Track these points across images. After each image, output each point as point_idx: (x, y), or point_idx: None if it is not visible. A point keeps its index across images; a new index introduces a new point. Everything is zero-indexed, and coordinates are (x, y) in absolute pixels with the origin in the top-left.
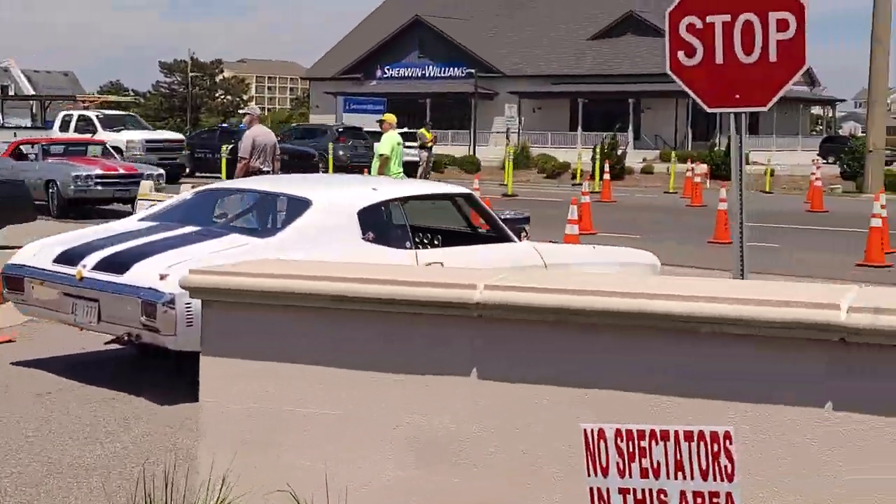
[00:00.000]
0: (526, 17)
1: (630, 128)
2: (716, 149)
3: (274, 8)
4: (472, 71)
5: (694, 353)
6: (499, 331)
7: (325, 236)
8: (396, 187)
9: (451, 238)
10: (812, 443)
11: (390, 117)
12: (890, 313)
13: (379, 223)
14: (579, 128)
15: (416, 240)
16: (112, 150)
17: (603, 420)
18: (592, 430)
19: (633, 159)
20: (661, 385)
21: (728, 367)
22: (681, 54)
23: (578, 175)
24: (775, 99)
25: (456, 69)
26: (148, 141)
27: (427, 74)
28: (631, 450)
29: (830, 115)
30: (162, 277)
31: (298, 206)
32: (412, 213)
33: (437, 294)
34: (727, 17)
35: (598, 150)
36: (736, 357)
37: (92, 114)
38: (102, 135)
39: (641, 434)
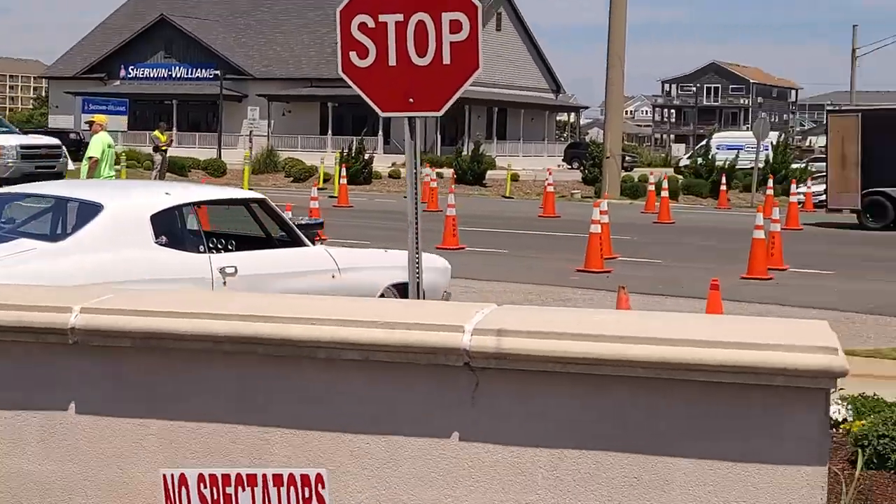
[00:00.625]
0: (276, 20)
1: (380, 132)
2: (463, 154)
3: (23, 5)
4: (218, 72)
5: (308, 379)
6: (98, 358)
7: (116, 240)
8: (191, 192)
9: (246, 243)
10: (437, 476)
11: (101, 118)
12: (514, 335)
13: (172, 228)
14: (329, 131)
15: (211, 244)
16: None
17: (186, 460)
18: (173, 476)
19: (383, 164)
20: (266, 419)
21: (342, 397)
22: (353, 55)
23: (321, 180)
24: (449, 103)
25: (204, 70)
26: (23, 147)
27: (174, 75)
28: (215, 497)
29: (575, 121)
30: None
31: (90, 210)
32: (210, 218)
33: (17, 319)
34: (400, 17)
35: (338, 155)
36: (352, 385)
37: None
38: None
39: (227, 479)
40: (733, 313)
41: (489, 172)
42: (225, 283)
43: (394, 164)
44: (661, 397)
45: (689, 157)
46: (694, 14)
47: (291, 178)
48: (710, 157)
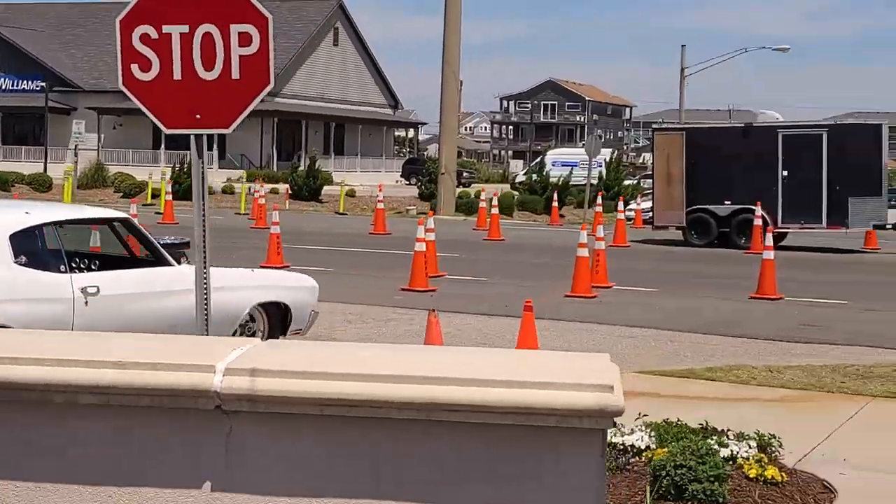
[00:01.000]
0: (108, 31)
1: (215, 146)
2: (299, 170)
3: None
4: (45, 84)
5: (38, 426)
6: None
7: None
8: (51, 212)
9: (110, 262)
10: None
11: None
12: (269, 375)
13: (32, 247)
14: (162, 146)
15: (73, 264)
16: None
17: None
18: None
19: (218, 178)
20: None
21: (78, 447)
22: (135, 68)
23: (149, 195)
24: (238, 121)
25: (30, 82)
26: None
27: None
28: None
29: (414, 137)
30: None
31: None
32: (72, 238)
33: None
34: (185, 28)
35: (164, 171)
36: (91, 433)
37: None
38: None
39: None
40: (552, 332)
41: (326, 188)
42: (87, 302)
43: (228, 180)
44: (421, 441)
45: (524, 174)
46: (532, 32)
47: (121, 194)
48: (544, 173)
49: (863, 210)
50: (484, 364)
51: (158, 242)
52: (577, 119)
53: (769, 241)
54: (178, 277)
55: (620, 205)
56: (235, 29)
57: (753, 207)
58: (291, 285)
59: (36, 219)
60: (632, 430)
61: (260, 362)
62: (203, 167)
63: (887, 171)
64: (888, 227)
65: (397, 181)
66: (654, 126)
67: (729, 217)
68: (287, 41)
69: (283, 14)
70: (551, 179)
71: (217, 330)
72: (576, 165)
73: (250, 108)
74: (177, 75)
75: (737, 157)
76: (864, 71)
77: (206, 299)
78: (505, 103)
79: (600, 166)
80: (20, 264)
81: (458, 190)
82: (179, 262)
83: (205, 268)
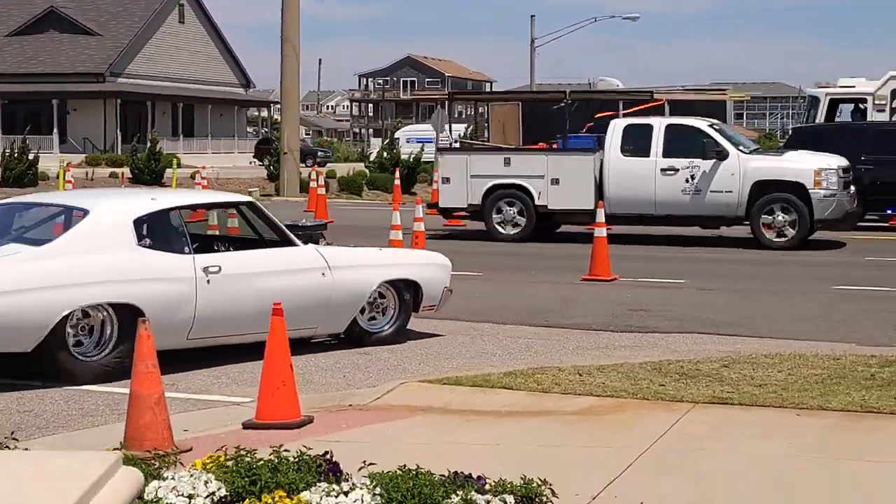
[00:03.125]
0: None
1: (55, 130)
2: (139, 153)
3: None
4: None
5: None
6: None
7: (99, 243)
8: (178, 197)
9: (234, 243)
10: None
11: None
12: None
13: (157, 230)
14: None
15: (197, 245)
16: None
17: None
18: None
19: (54, 164)
20: None
21: None
22: None
23: None
24: None
25: None
26: None
27: None
28: None
29: (268, 116)
30: None
31: (77, 216)
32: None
33: None
34: None
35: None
36: None
37: None
38: None
39: None
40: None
41: (179, 172)
42: (209, 281)
43: (67, 164)
44: None
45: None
46: (391, 8)
47: None
48: (394, 150)
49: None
50: None
51: (295, 224)
52: (437, 96)
53: (600, 216)
54: (301, 257)
55: None
56: None
57: None
58: (421, 262)
59: (161, 204)
60: (352, 485)
61: None
62: None
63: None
64: None
65: (251, 162)
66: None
67: None
68: (129, 19)
69: None
70: (403, 156)
71: (343, 308)
72: (430, 141)
73: None
74: None
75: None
76: (723, 43)
77: None
78: (364, 81)
79: (455, 142)
80: (144, 246)
81: (325, 169)
82: (318, 243)
83: None
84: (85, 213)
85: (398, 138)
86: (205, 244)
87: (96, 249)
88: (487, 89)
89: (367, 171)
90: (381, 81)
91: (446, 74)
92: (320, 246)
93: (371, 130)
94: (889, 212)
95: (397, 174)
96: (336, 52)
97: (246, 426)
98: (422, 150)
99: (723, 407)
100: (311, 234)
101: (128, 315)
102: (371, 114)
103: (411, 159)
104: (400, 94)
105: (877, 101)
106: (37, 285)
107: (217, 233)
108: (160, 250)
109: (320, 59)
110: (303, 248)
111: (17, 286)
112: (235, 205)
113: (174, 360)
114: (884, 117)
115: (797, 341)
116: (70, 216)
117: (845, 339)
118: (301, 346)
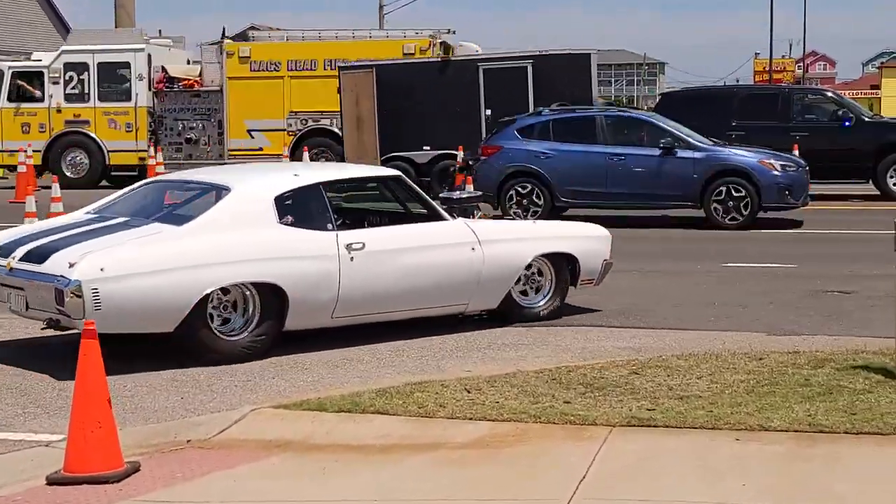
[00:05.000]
0: None
1: None
2: None
3: None
4: None
5: None
6: None
7: (240, 221)
8: (321, 172)
9: (380, 218)
10: None
11: None
12: None
13: (299, 207)
14: None
15: (341, 221)
16: None
17: None
18: None
19: None
20: None
21: None
22: None
23: None
24: None
25: None
26: None
27: None
28: None
29: None
30: (71, 265)
31: (218, 193)
32: (346, 196)
33: None
34: None
35: None
36: None
37: None
38: None
39: None
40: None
41: None
42: (352, 258)
43: None
44: None
45: None
46: None
47: None
48: None
49: None
50: None
51: (449, 196)
52: None
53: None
54: (449, 231)
55: (305, 155)
56: None
57: (456, 152)
58: (578, 235)
59: (304, 180)
60: None
61: None
62: None
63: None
64: None
65: None
66: (340, 64)
67: (430, 164)
68: None
69: None
70: None
71: (495, 284)
72: None
73: None
74: None
75: (435, 96)
76: (569, 9)
77: None
78: None
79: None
80: (286, 224)
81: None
82: (472, 216)
83: None
84: (227, 190)
85: None
86: (349, 219)
87: (238, 228)
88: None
89: None
90: None
91: None
92: (472, 219)
93: None
94: None
95: None
96: (195, 24)
97: (51, 481)
98: None
99: (646, 431)
100: (466, 207)
101: (270, 294)
102: None
103: None
104: None
105: (51, 75)
106: (178, 265)
107: (357, 207)
108: (302, 227)
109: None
110: (451, 223)
111: (157, 266)
112: (383, 179)
113: None
114: (59, 90)
115: (699, 332)
116: (212, 194)
117: (751, 328)
118: (134, 360)
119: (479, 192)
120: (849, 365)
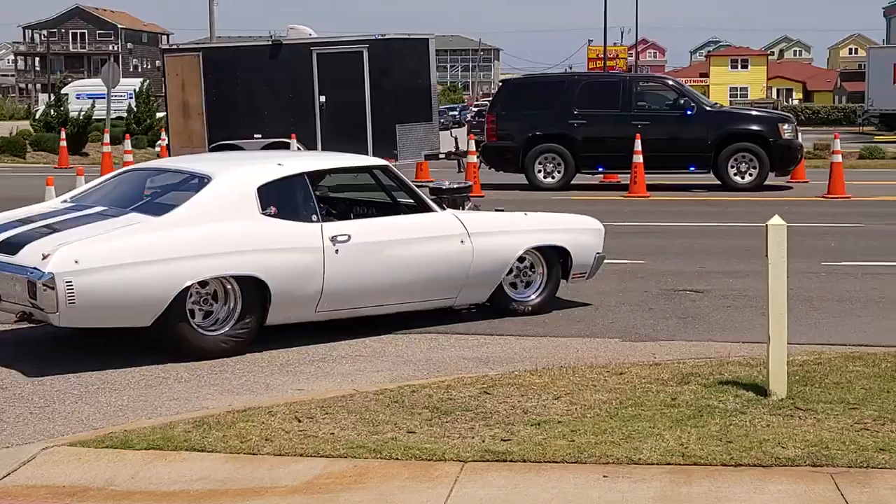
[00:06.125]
0: None
1: None
2: None
3: None
4: None
5: None
6: None
7: (222, 212)
8: (306, 161)
9: (366, 210)
10: None
11: None
12: None
13: (283, 198)
14: None
15: (326, 212)
16: None
17: None
18: None
19: None
20: None
21: None
22: None
23: None
24: None
25: None
26: None
27: None
28: None
29: None
30: (44, 257)
31: (199, 183)
32: (332, 187)
33: None
34: None
35: None
36: None
37: None
38: None
39: None
40: None
41: None
42: (337, 251)
43: None
44: None
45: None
46: None
47: None
48: (61, 107)
49: (412, 138)
50: None
51: (438, 187)
52: (111, 48)
53: None
54: (438, 223)
55: (126, 143)
56: None
57: (288, 141)
58: (570, 227)
59: (288, 170)
60: None
61: None
62: None
63: (437, 93)
64: (441, 156)
65: None
66: (163, 46)
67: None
68: None
69: None
70: (71, 114)
71: (485, 277)
72: (102, 97)
73: None
74: None
75: (266, 82)
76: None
77: None
78: (30, 33)
79: (130, 97)
80: (269, 215)
81: None
82: (462, 207)
83: None
84: (208, 179)
85: (66, 94)
86: (335, 210)
87: (218, 219)
88: (164, 42)
89: (31, 129)
90: (47, 33)
91: (119, 26)
92: (461, 211)
93: (39, 86)
94: (601, 169)
95: (63, 135)
96: None
97: None
98: (92, 106)
99: (501, 468)
100: (455, 198)
101: (252, 287)
102: (38, 68)
103: (81, 117)
104: (70, 48)
105: None
106: (156, 257)
107: (343, 197)
108: (285, 219)
109: None
110: (440, 214)
111: (135, 258)
112: (369, 169)
113: None
114: None
115: (550, 338)
116: (192, 183)
117: (605, 334)
118: None
119: (469, 183)
120: (716, 380)
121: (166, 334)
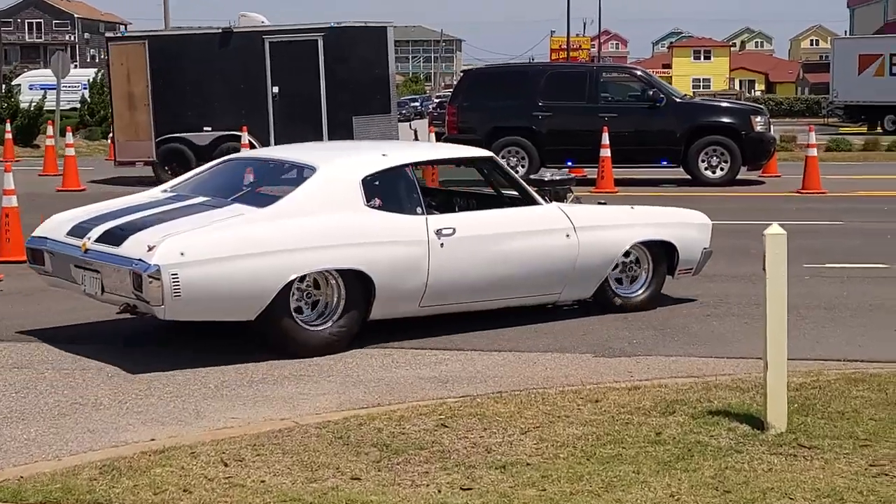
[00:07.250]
0: None
1: None
2: None
3: None
4: None
5: None
6: None
7: (325, 204)
8: (410, 152)
9: (471, 202)
10: None
11: None
12: None
13: (387, 189)
14: None
15: (433, 204)
16: None
17: None
18: None
19: None
20: None
21: None
22: None
23: None
24: None
25: None
26: None
27: None
28: None
29: None
30: (150, 248)
31: (303, 174)
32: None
33: None
34: None
35: None
36: None
37: None
38: None
39: None
40: None
41: None
42: (442, 244)
43: None
44: None
45: None
46: None
47: None
48: (11, 98)
49: (370, 130)
50: None
51: (541, 178)
52: (68, 38)
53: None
54: (544, 217)
55: (69, 136)
56: None
57: (240, 134)
58: (678, 222)
59: (393, 161)
60: None
61: None
62: None
63: (396, 84)
64: None
65: None
66: (108, 34)
67: (211, 147)
68: None
69: None
70: (22, 105)
71: (590, 272)
72: (54, 88)
73: None
74: None
75: (217, 72)
76: None
77: None
78: None
79: (85, 88)
80: (372, 207)
81: None
82: (564, 199)
83: None
84: (312, 170)
85: (19, 85)
86: (438, 203)
87: (322, 211)
88: (121, 31)
89: None
90: (1, 23)
91: (76, 16)
92: (566, 204)
93: None
94: (569, 163)
95: (8, 127)
96: None
97: None
98: (44, 97)
99: None
100: (558, 191)
101: (355, 281)
102: None
103: (32, 108)
104: (25, 37)
105: None
106: (260, 250)
107: (450, 190)
108: (390, 211)
109: None
110: (545, 208)
111: (239, 251)
112: (474, 160)
113: None
114: None
115: (515, 353)
116: (296, 173)
117: (576, 348)
118: None
119: (573, 175)
120: (704, 409)
121: (271, 329)
